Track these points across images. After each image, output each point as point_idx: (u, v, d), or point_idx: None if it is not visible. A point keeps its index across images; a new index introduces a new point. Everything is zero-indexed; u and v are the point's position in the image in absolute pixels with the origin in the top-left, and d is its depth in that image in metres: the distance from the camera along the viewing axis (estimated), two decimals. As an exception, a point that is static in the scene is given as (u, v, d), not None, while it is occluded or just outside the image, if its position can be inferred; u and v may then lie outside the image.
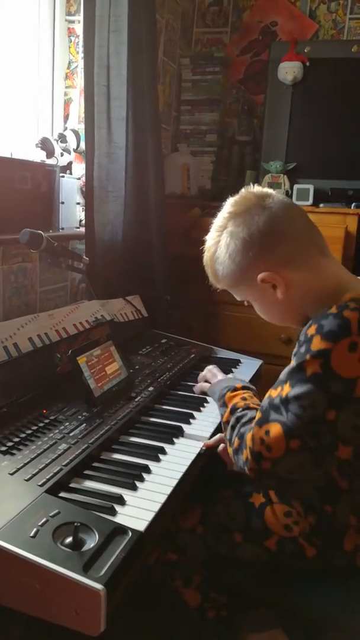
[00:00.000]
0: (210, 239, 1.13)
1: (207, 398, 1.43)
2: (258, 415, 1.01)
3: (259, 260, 1.04)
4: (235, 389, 1.19)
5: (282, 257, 1.04)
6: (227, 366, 1.67)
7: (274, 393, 0.99)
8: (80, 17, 1.94)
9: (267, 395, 1.02)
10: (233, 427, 1.08)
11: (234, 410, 1.12)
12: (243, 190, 1.11)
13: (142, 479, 1.00)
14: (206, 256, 1.15)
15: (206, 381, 1.43)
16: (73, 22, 2.00)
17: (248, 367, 1.72)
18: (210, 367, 1.45)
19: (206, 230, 2.18)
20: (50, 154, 1.81)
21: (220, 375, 1.39)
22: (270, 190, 1.10)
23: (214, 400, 1.28)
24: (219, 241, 1.10)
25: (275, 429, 0.95)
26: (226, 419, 1.12)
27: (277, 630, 1.24)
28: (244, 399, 1.15)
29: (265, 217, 1.04)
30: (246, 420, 1.07)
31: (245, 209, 1.06)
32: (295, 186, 2.21)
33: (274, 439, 0.94)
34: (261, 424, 0.97)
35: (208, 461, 1.18)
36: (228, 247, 1.07)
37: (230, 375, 1.41)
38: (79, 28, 1.97)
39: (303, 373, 0.94)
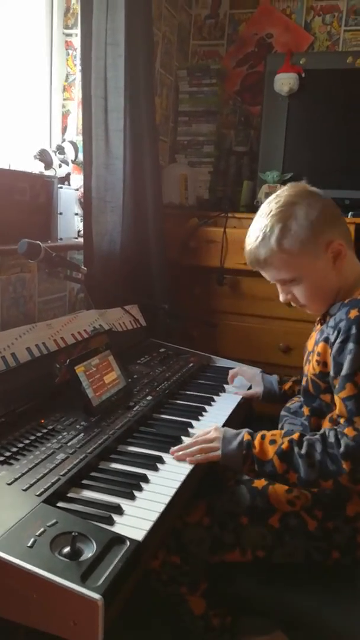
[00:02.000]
0: (276, 213, 1.18)
1: (206, 407, 1.43)
2: (343, 421, 1.07)
3: (331, 229, 1.18)
4: (250, 444, 1.11)
5: (343, 232, 1.21)
6: (225, 375, 1.67)
7: (348, 392, 1.06)
8: (77, 31, 1.96)
9: (338, 399, 1.08)
10: (310, 465, 1.05)
11: (283, 454, 1.07)
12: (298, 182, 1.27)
13: (140, 489, 1.00)
14: (271, 229, 1.18)
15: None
16: (70, 35, 2.03)
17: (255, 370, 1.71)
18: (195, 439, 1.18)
19: (204, 240, 2.19)
20: (48, 165, 1.82)
21: (214, 440, 1.16)
22: None
23: (234, 465, 1.14)
24: (293, 212, 1.17)
25: None
26: (282, 469, 1.07)
27: (278, 632, 1.23)
28: (273, 442, 1.10)
29: (327, 200, 1.22)
30: (320, 447, 1.05)
31: (311, 191, 1.22)
32: (293, 196, 2.22)
33: None
34: None
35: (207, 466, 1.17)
36: (308, 215, 1.16)
37: (215, 431, 1.18)
38: (76, 41, 2.00)
39: None
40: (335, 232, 1.18)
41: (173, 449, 1.15)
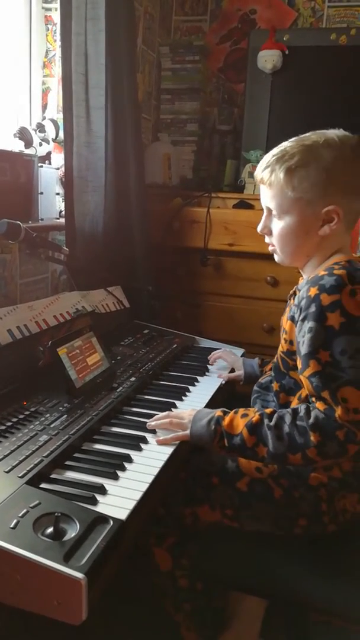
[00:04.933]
0: (309, 145, 1.13)
1: (189, 387, 1.43)
2: (303, 396, 1.08)
3: (342, 195, 1.12)
4: (220, 419, 1.12)
5: (351, 207, 1.14)
6: (209, 355, 1.67)
7: (312, 369, 1.05)
8: (57, 5, 1.91)
9: (304, 378, 1.07)
10: (278, 437, 1.04)
11: (253, 426, 1.07)
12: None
13: (123, 469, 1.00)
14: (293, 155, 1.13)
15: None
16: (50, 9, 1.98)
17: (236, 354, 1.71)
18: (166, 414, 1.20)
19: (188, 220, 2.17)
20: (28, 144, 1.79)
21: (185, 418, 1.17)
22: None
23: (204, 443, 1.14)
24: (322, 154, 1.11)
25: (348, 391, 1.02)
26: (251, 442, 1.07)
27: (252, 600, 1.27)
28: (245, 415, 1.10)
29: None
30: (289, 419, 1.05)
31: (357, 149, 1.13)
32: (276, 175, 2.21)
33: (356, 399, 1.01)
34: (333, 399, 1.02)
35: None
36: (331, 166, 1.10)
37: (189, 411, 1.20)
38: (56, 16, 1.95)
39: (331, 330, 1.04)
40: (344, 199, 1.12)
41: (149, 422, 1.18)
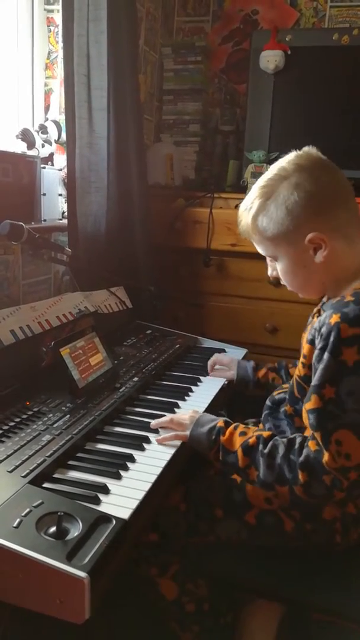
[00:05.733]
0: (263, 186, 1.11)
1: (192, 387, 1.43)
2: (306, 433, 1.02)
3: (315, 219, 1.06)
4: (220, 431, 1.10)
5: (335, 223, 1.07)
6: (211, 356, 1.67)
7: (313, 404, 0.99)
8: (59, 6, 1.91)
9: (305, 410, 1.02)
10: (269, 466, 1.01)
11: (248, 448, 1.05)
12: (307, 148, 1.13)
13: (126, 468, 1.00)
14: (252, 203, 1.11)
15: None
16: (52, 11, 1.98)
17: (233, 355, 1.72)
18: (170, 416, 1.19)
19: (190, 221, 2.17)
20: (31, 145, 1.79)
21: (187, 420, 1.16)
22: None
23: (202, 450, 1.14)
24: (277, 190, 1.08)
25: (344, 435, 0.95)
26: (244, 463, 1.05)
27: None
28: (243, 433, 1.08)
29: (331, 178, 1.08)
30: (283, 450, 1.01)
31: (313, 164, 1.09)
32: (279, 175, 2.21)
33: (350, 444, 0.95)
34: (324, 442, 0.96)
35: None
36: (288, 198, 1.06)
37: (190, 413, 1.18)
38: (58, 17, 1.95)
39: (343, 366, 0.96)
40: (319, 222, 1.06)
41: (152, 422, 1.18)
